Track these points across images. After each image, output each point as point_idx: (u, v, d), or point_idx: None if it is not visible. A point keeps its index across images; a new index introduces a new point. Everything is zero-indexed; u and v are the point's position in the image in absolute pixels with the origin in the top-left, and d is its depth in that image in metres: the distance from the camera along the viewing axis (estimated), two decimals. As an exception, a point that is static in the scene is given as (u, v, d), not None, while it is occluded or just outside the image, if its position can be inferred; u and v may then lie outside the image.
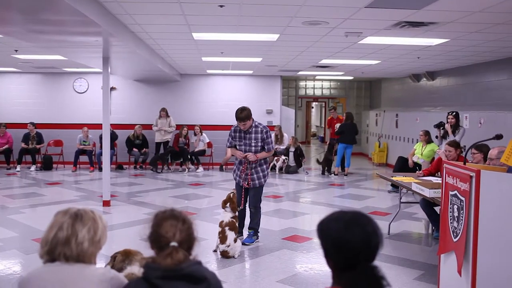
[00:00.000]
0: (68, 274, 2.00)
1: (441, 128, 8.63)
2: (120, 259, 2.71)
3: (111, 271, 2.12)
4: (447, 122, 8.50)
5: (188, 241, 2.02)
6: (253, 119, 5.85)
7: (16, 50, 9.17)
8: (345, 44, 8.06)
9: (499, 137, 4.26)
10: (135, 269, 2.44)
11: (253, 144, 5.82)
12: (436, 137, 8.86)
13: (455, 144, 6.17)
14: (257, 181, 5.92)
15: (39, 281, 2.00)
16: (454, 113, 8.43)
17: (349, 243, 1.68)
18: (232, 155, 6.19)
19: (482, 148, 5.20)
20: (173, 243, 1.96)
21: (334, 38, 7.43)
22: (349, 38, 7.33)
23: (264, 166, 6.00)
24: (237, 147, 5.96)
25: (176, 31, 7.09)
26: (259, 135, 5.80)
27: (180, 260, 1.94)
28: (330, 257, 1.75)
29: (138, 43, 7.72)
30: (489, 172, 3.55)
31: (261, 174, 5.94)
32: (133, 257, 2.62)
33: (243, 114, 5.67)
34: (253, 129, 5.82)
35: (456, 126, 8.38)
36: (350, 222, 1.72)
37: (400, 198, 6.76)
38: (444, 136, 8.47)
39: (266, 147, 5.87)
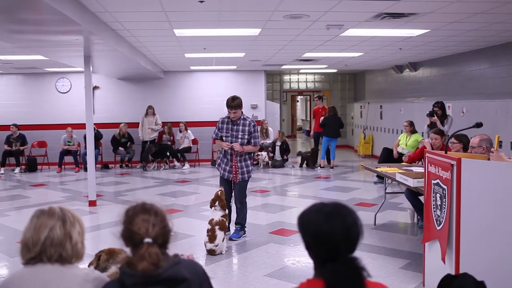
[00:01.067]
0: (51, 275, 1.98)
1: (432, 116, 8.50)
2: (105, 259, 2.70)
3: (94, 272, 2.11)
4: (434, 114, 8.49)
5: (163, 234, 1.90)
6: (242, 111, 5.87)
7: (-4, 51, 9.05)
8: (327, 37, 8.08)
9: (479, 125, 4.31)
10: None
11: (239, 136, 5.81)
12: (428, 125, 8.76)
13: (441, 132, 6.23)
14: (240, 176, 5.91)
15: (21, 283, 1.98)
16: (440, 104, 8.43)
17: (329, 234, 1.68)
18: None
19: (461, 138, 5.26)
20: (147, 240, 1.85)
21: (316, 31, 7.45)
22: (330, 31, 7.35)
23: (249, 162, 6.01)
24: (224, 139, 5.92)
25: (157, 28, 7.05)
26: (247, 128, 5.81)
27: (155, 261, 1.83)
28: (311, 249, 1.76)
29: (119, 41, 7.66)
30: (469, 160, 3.60)
31: (245, 169, 5.94)
32: (117, 255, 2.62)
33: (235, 102, 5.68)
34: (241, 121, 5.82)
35: (443, 116, 8.38)
36: (330, 214, 1.72)
37: (385, 189, 6.82)
38: (432, 126, 8.43)
39: (252, 141, 5.87)
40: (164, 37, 7.85)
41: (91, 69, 8.48)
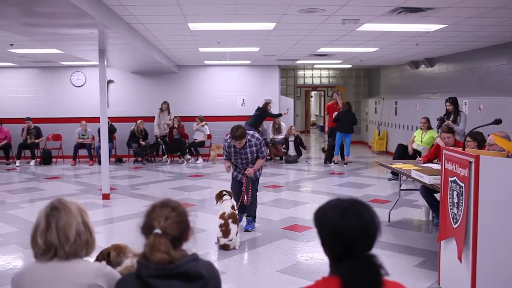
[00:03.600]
0: (62, 269, 1.98)
1: (443, 124, 8.32)
2: (115, 254, 2.70)
3: (106, 267, 2.10)
4: (445, 110, 8.39)
5: (176, 229, 1.92)
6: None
7: (12, 45, 9.10)
8: (343, 31, 8.00)
9: (498, 121, 4.23)
10: (134, 261, 2.42)
11: (249, 157, 6.01)
12: (438, 126, 8.69)
13: (451, 130, 6.14)
14: (253, 175, 6.12)
15: (33, 276, 1.98)
16: (451, 99, 8.33)
17: (346, 231, 1.64)
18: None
19: (476, 136, 5.18)
20: (156, 230, 1.89)
21: (331, 26, 7.37)
22: (346, 25, 7.27)
23: (258, 172, 6.27)
24: (233, 160, 6.10)
25: (172, 21, 7.03)
26: (254, 149, 5.97)
27: (164, 250, 1.86)
28: (327, 245, 1.72)
29: (133, 34, 7.66)
30: (488, 157, 3.53)
31: (257, 172, 6.19)
32: (125, 250, 2.61)
33: (238, 132, 5.75)
34: (247, 144, 5.93)
35: (456, 113, 8.26)
36: (347, 210, 1.68)
37: (400, 186, 6.74)
38: (441, 124, 8.29)
39: (260, 156, 6.06)
40: (178, 31, 7.83)
41: (105, 63, 8.50)
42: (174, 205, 1.98)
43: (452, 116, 8.25)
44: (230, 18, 6.86)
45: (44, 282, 1.95)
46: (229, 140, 5.97)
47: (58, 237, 1.97)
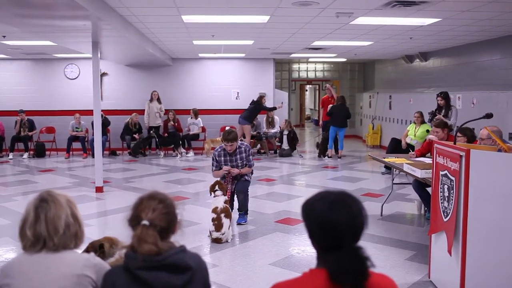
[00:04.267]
0: (51, 260, 1.98)
1: (434, 118, 8.32)
2: (108, 246, 2.70)
3: (95, 258, 2.10)
4: (437, 105, 8.38)
5: (164, 220, 1.93)
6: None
7: (4, 36, 9.03)
8: (337, 25, 7.99)
9: (489, 116, 4.25)
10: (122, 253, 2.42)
11: (239, 164, 6.15)
12: (429, 120, 8.74)
13: (442, 124, 6.16)
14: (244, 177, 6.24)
15: (21, 267, 1.98)
16: (443, 94, 8.33)
17: (334, 223, 1.65)
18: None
19: (465, 132, 5.20)
20: (144, 222, 1.89)
21: (325, 19, 7.36)
22: (340, 18, 7.26)
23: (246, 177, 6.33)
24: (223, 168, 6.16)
25: (165, 14, 6.99)
26: (244, 155, 6.15)
27: (151, 241, 1.87)
28: (315, 238, 1.73)
29: (127, 27, 7.62)
30: (478, 151, 3.55)
31: (245, 176, 6.26)
32: (117, 242, 2.61)
33: (231, 135, 5.95)
34: (237, 150, 6.11)
35: (448, 107, 8.29)
36: (335, 202, 1.69)
37: (393, 180, 6.76)
38: (432, 119, 8.28)
39: (247, 164, 6.19)
40: (172, 23, 7.80)
41: (99, 55, 8.46)
42: (161, 197, 1.98)
43: (443, 111, 8.27)
44: (224, 11, 6.84)
45: (33, 273, 1.95)
46: (219, 150, 6.14)
47: (47, 229, 1.98)
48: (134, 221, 1.94)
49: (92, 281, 1.99)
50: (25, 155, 12.54)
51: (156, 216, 1.92)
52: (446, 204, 3.84)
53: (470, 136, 5.31)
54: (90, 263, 2.01)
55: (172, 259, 1.88)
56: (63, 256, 1.99)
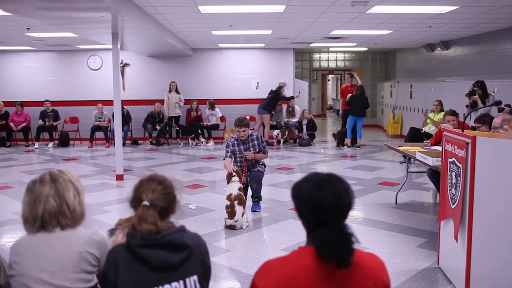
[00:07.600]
0: (56, 238, 2.10)
1: (473, 96, 7.82)
2: (126, 225, 2.82)
3: (98, 235, 2.21)
4: (475, 93, 7.99)
5: (163, 200, 2.03)
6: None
7: (28, 28, 9.28)
8: (353, 14, 7.97)
9: (498, 103, 4.22)
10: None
11: (251, 151, 6.27)
12: (466, 106, 8.43)
13: (454, 113, 6.11)
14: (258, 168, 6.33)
15: (29, 245, 2.10)
16: (480, 84, 7.87)
17: (320, 202, 1.72)
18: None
19: (484, 119, 5.15)
20: (145, 202, 1.99)
21: (341, 8, 7.36)
22: (355, 7, 7.25)
23: (263, 165, 6.43)
24: (238, 159, 6.26)
25: (181, 4, 7.08)
26: (256, 142, 6.29)
27: (152, 221, 1.97)
28: (304, 217, 1.80)
29: (145, 17, 7.75)
30: (484, 138, 3.55)
31: (258, 167, 6.34)
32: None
33: (244, 121, 6.15)
34: (249, 137, 6.27)
35: (484, 96, 7.82)
36: (321, 181, 1.76)
37: (407, 168, 6.76)
38: (473, 106, 7.76)
39: (263, 150, 6.35)
40: (189, 13, 7.89)
41: (118, 46, 8.62)
42: (160, 179, 2.08)
43: (480, 98, 7.85)
44: (240, 1, 6.90)
45: (40, 251, 2.07)
46: (233, 140, 6.26)
47: (51, 208, 2.08)
48: (135, 202, 2.04)
49: (95, 257, 2.11)
50: (50, 144, 12.86)
51: (156, 196, 2.02)
52: (453, 191, 3.86)
53: (490, 122, 5.18)
54: (92, 240, 2.13)
55: (170, 237, 1.99)
56: (68, 234, 2.11)
